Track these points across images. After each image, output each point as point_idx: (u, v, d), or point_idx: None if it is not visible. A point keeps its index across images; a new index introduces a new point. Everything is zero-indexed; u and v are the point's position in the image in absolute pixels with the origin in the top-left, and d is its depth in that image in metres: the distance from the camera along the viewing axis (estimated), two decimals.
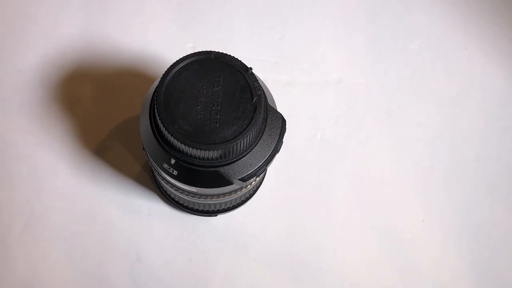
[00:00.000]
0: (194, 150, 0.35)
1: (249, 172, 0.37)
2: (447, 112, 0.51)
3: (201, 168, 0.36)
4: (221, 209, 0.45)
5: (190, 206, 0.45)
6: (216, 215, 0.46)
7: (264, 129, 0.37)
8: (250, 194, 0.46)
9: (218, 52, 0.37)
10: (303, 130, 0.50)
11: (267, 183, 0.48)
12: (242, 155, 0.36)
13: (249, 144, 0.36)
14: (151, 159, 0.38)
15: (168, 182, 0.40)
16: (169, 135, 0.35)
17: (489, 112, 0.52)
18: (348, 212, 0.48)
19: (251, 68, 0.37)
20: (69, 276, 0.45)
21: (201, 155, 0.36)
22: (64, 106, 0.49)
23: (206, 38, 0.53)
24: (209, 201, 0.42)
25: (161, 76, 0.36)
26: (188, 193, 0.40)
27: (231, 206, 0.45)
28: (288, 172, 0.48)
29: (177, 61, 0.37)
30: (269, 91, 0.39)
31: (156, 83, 0.37)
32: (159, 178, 0.42)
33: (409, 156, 0.50)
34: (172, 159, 0.36)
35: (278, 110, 0.39)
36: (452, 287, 0.46)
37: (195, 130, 0.35)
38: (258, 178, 0.39)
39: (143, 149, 0.40)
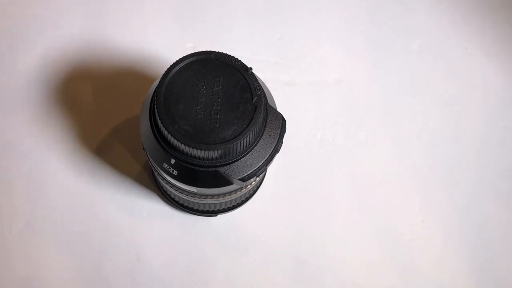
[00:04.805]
0: (194, 150, 0.35)
1: (249, 172, 0.37)
2: (447, 112, 0.51)
3: (201, 168, 0.36)
4: (221, 209, 0.45)
5: (190, 206, 0.45)
6: (216, 215, 0.46)
7: (264, 129, 0.37)
8: (250, 194, 0.46)
9: (218, 52, 0.37)
10: (303, 130, 0.50)
11: (267, 183, 0.48)
12: (242, 155, 0.36)
13: (249, 144, 0.36)
14: (151, 159, 0.38)
15: (168, 182, 0.40)
16: (169, 135, 0.35)
17: (489, 112, 0.51)
18: (348, 212, 0.48)
19: (251, 68, 0.37)
20: (69, 276, 0.45)
21: (201, 155, 0.35)
22: (64, 106, 0.49)
23: (206, 38, 0.52)
24: (209, 201, 0.42)
25: (161, 76, 0.36)
26: (188, 193, 0.40)
27: (231, 206, 0.45)
28: (288, 172, 0.48)
29: (177, 61, 0.37)
30: (269, 91, 0.39)
31: (156, 83, 0.37)
32: (159, 178, 0.42)
33: (409, 156, 0.50)
34: (172, 159, 0.36)
35: (278, 110, 0.39)
36: (452, 287, 0.46)
37: (195, 130, 0.35)
38: (258, 178, 0.39)
39: (143, 149, 0.40)
